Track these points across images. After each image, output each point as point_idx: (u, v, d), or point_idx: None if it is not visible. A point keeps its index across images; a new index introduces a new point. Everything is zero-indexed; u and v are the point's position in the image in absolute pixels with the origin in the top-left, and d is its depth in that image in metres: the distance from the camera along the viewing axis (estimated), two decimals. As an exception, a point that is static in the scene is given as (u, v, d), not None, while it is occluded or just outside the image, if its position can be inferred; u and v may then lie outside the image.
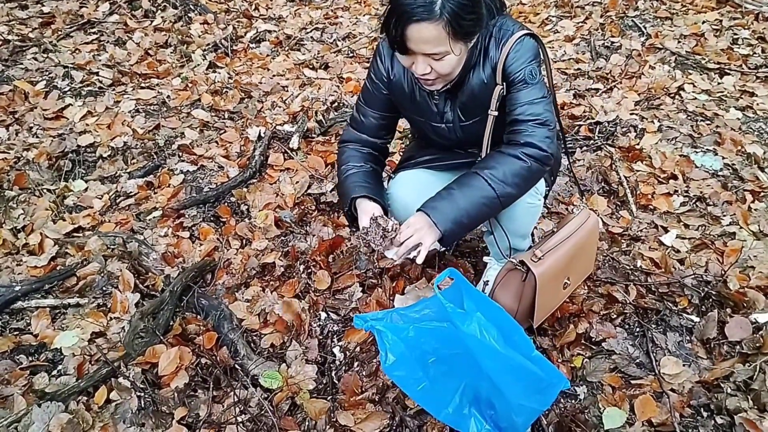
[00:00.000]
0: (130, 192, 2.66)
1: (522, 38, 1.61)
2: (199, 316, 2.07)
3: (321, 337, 2.03)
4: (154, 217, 2.52)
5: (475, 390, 1.56)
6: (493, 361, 1.39)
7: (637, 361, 1.92)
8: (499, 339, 1.39)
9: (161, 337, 1.96)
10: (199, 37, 3.99)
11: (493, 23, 1.61)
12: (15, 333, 2.06)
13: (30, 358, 1.97)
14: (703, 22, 3.91)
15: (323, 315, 2.10)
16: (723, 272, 2.16)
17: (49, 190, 2.68)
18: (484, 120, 1.74)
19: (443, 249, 2.08)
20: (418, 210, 1.61)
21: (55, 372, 1.92)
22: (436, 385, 1.51)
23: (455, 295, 1.49)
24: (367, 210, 1.71)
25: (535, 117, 1.61)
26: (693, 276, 2.17)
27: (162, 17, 4.19)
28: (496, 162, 1.60)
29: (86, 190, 2.70)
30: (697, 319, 2.05)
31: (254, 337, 2.04)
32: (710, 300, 2.09)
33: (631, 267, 2.22)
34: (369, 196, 1.75)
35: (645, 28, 3.91)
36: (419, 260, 1.58)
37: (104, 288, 2.19)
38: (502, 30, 1.62)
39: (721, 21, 3.93)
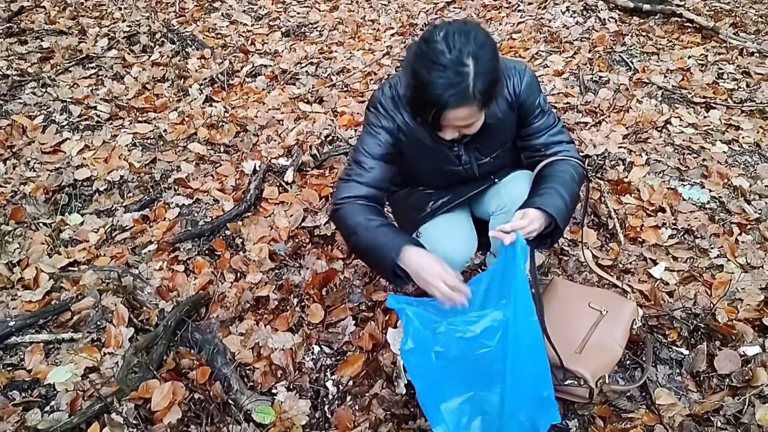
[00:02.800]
0: (126, 226, 2.69)
1: (527, 72, 1.74)
2: (192, 351, 2.08)
3: (314, 371, 2.04)
4: (149, 251, 2.54)
5: (481, 408, 1.61)
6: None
7: (628, 394, 1.93)
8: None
9: (155, 372, 1.96)
10: (196, 71, 4.05)
11: None
12: (8, 368, 2.06)
13: (23, 394, 1.96)
14: (689, 57, 4.00)
15: (316, 348, 2.12)
16: (711, 305, 2.19)
17: (45, 224, 2.70)
18: (501, 154, 1.84)
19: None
20: (533, 207, 1.60)
21: (48, 408, 1.91)
22: (443, 383, 1.57)
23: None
24: (428, 256, 1.57)
25: (564, 138, 1.81)
26: (682, 308, 2.21)
27: (160, 52, 4.26)
28: (567, 166, 1.72)
29: (82, 223, 2.72)
30: (686, 352, 2.07)
31: (247, 371, 2.05)
32: (699, 332, 2.12)
33: (622, 300, 2.25)
34: (418, 242, 1.64)
35: (632, 63, 3.99)
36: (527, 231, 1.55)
37: (98, 322, 2.20)
38: (507, 66, 1.70)
39: (706, 56, 4.02)
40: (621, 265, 2.43)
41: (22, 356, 2.10)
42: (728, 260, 2.44)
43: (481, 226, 1.99)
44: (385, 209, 1.89)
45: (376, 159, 1.73)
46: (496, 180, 1.90)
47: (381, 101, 1.74)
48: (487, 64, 1.42)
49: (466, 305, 1.53)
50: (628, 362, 2.04)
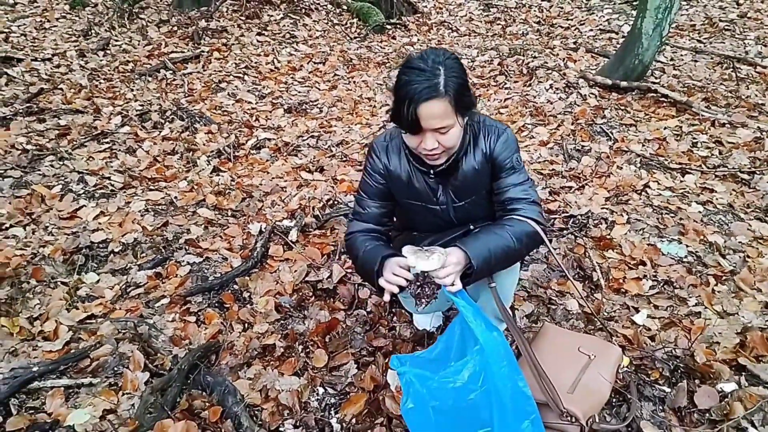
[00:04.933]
0: (140, 282, 2.85)
1: (506, 132, 1.97)
2: (204, 393, 2.21)
3: (319, 410, 2.17)
4: (162, 304, 2.69)
5: None
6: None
7: (614, 428, 2.06)
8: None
9: (169, 413, 2.09)
10: (204, 144, 4.32)
11: (477, 120, 1.94)
12: (30, 411, 2.17)
13: (45, 434, 2.08)
14: (665, 128, 4.29)
15: (321, 390, 2.25)
16: (690, 347, 2.35)
17: (63, 283, 2.86)
18: (475, 201, 2.04)
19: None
20: (454, 245, 1.80)
21: (68, 447, 2.03)
22: None
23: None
24: (392, 264, 1.81)
25: (527, 196, 1.95)
26: (663, 351, 2.36)
27: (170, 128, 4.55)
28: (514, 223, 1.88)
29: (98, 281, 2.88)
30: (668, 390, 2.21)
31: (256, 412, 2.17)
32: (679, 372, 2.27)
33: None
34: (397, 254, 1.87)
35: (612, 133, 4.28)
36: (455, 288, 1.74)
37: (116, 368, 2.33)
38: (487, 125, 1.96)
39: (681, 127, 4.32)
40: (605, 313, 2.60)
41: (43, 400, 2.21)
42: (705, 308, 2.61)
43: None
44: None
45: (372, 198, 2.07)
46: (472, 228, 2.11)
47: (374, 146, 2.06)
48: (455, 70, 1.72)
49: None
50: (614, 400, 2.17)
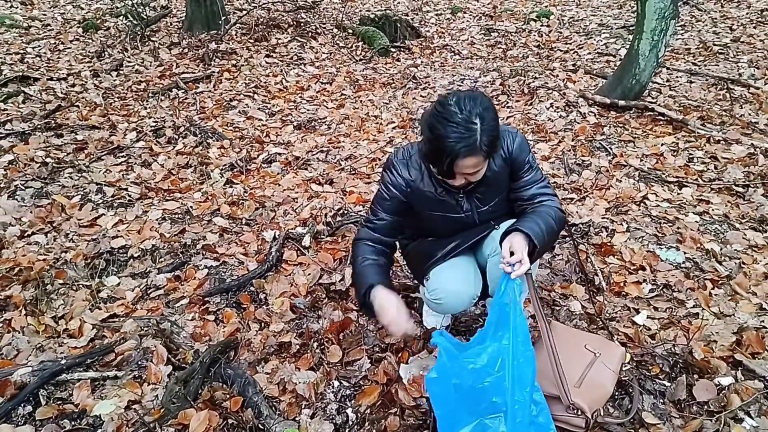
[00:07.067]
0: (160, 285, 2.96)
1: (518, 134, 2.13)
2: (225, 386, 2.31)
3: (334, 401, 2.27)
4: (182, 305, 2.81)
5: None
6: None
7: (618, 421, 2.16)
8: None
9: (192, 403, 2.19)
10: (217, 158, 4.45)
11: None
12: (58, 402, 2.28)
13: (73, 423, 2.18)
14: (662, 144, 4.43)
15: (336, 383, 2.35)
16: (689, 344, 2.46)
17: (85, 285, 2.97)
18: (499, 203, 2.18)
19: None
20: (512, 230, 1.92)
21: (95, 434, 2.13)
22: (457, 412, 1.81)
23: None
24: (390, 299, 1.96)
25: (548, 190, 2.14)
26: (663, 348, 2.47)
27: (183, 143, 4.69)
28: (547, 210, 2.05)
29: (119, 284, 2.99)
30: (668, 384, 2.31)
31: (274, 404, 2.27)
32: (678, 367, 2.37)
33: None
34: (385, 285, 2.02)
35: (611, 149, 4.42)
36: (524, 269, 1.85)
37: (140, 362, 2.44)
38: (502, 128, 2.09)
39: (677, 143, 4.46)
40: (607, 314, 2.71)
41: (70, 392, 2.32)
42: (703, 309, 2.72)
43: (482, 274, 2.30)
44: (396, 252, 2.34)
45: (386, 212, 2.17)
46: (496, 226, 2.23)
47: (393, 163, 2.16)
48: (490, 122, 1.82)
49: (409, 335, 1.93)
50: (616, 393, 2.27)
